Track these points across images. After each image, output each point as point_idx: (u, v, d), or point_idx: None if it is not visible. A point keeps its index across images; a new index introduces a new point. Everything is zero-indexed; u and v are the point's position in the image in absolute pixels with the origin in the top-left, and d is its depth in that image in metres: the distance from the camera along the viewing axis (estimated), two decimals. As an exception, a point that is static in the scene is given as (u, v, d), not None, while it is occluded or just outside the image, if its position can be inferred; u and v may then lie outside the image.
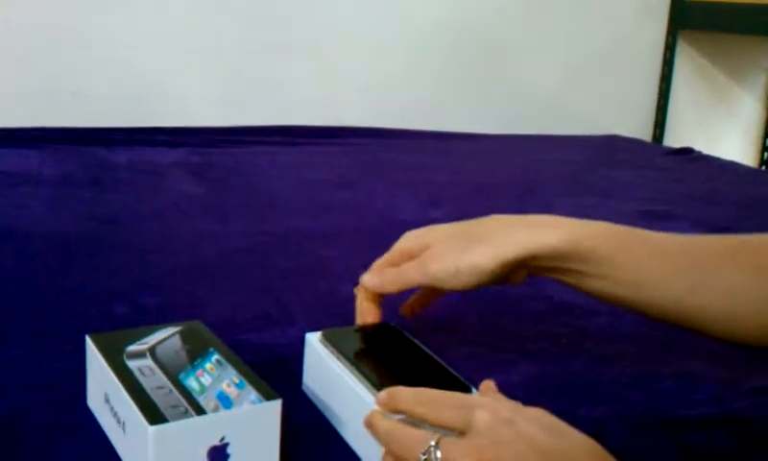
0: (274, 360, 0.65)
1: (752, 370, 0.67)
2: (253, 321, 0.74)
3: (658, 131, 2.35)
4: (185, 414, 0.47)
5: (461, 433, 0.46)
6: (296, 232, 1.02)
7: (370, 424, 0.50)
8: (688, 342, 0.67)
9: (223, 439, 0.48)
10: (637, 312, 0.64)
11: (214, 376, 0.52)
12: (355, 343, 0.61)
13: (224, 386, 0.51)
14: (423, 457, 0.45)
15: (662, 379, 0.66)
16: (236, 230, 1.02)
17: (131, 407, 0.48)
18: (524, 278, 0.65)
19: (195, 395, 0.49)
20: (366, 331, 0.64)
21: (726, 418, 0.60)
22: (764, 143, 2.55)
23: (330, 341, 0.59)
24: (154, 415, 0.47)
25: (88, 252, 0.90)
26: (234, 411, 0.49)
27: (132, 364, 0.53)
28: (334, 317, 0.71)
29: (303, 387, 0.62)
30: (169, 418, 0.47)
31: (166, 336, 0.57)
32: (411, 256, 0.65)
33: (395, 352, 0.60)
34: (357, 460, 0.53)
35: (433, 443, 0.45)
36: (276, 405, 0.50)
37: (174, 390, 0.50)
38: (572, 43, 2.19)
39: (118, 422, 0.51)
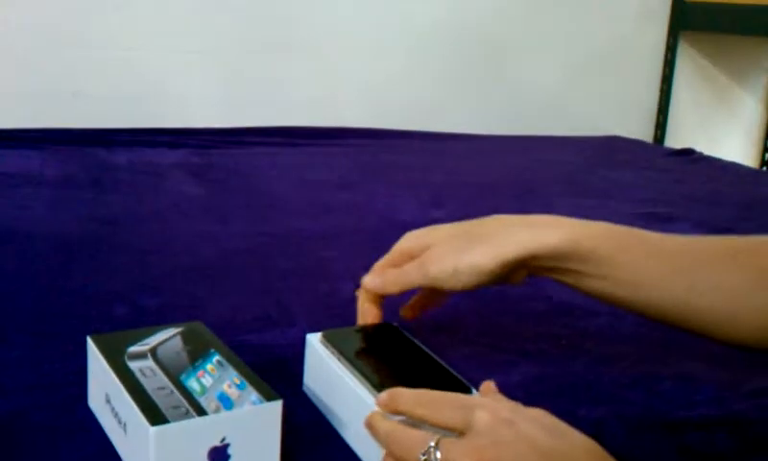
0: (274, 361, 0.66)
1: (752, 371, 0.67)
2: (254, 322, 0.74)
3: (659, 132, 2.35)
4: (186, 415, 0.47)
5: (461, 434, 0.46)
6: (296, 233, 1.02)
7: (370, 426, 0.50)
8: (688, 343, 0.67)
9: (224, 440, 0.48)
10: (637, 313, 0.64)
11: (215, 376, 0.52)
12: (356, 344, 0.61)
13: (225, 387, 0.51)
14: (423, 458, 0.45)
15: (662, 380, 0.66)
16: (236, 230, 1.02)
17: (132, 408, 0.48)
18: (524, 278, 0.65)
19: (196, 396, 0.49)
20: (366, 332, 0.64)
21: (726, 419, 0.60)
22: (765, 144, 2.55)
23: (331, 342, 0.59)
24: (155, 416, 0.47)
25: (89, 253, 0.90)
26: (235, 412, 0.49)
27: (134, 365, 0.53)
28: (335, 318, 0.71)
29: (304, 388, 0.62)
30: (170, 418, 0.47)
31: (167, 337, 0.57)
32: (411, 257, 0.65)
33: (395, 353, 0.60)
34: (358, 461, 0.54)
35: (433, 443, 0.45)
36: (276, 406, 0.50)
37: (175, 391, 0.50)
38: (573, 44, 2.20)
39: (119, 422, 0.51)
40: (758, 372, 0.67)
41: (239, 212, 1.12)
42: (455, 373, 0.57)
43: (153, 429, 0.46)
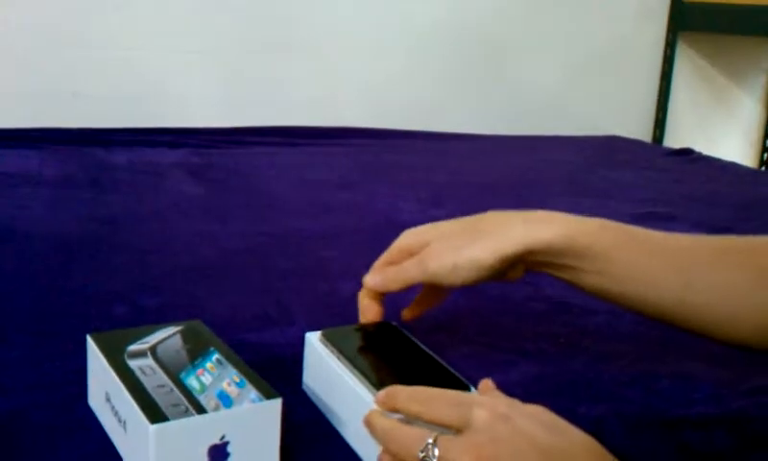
0: (274, 360, 0.66)
1: (750, 370, 0.68)
2: (254, 320, 0.74)
3: (657, 131, 2.36)
4: (186, 413, 0.47)
5: (458, 431, 0.46)
6: (296, 233, 1.03)
7: (368, 423, 0.50)
8: (687, 341, 0.67)
9: (223, 438, 0.49)
10: (634, 310, 0.64)
11: (215, 375, 0.52)
12: (355, 342, 0.61)
13: (224, 385, 0.51)
14: (422, 455, 0.45)
15: (661, 379, 0.66)
16: (236, 230, 1.02)
17: (132, 406, 0.48)
18: (522, 273, 0.66)
19: (195, 394, 0.50)
20: (366, 331, 0.64)
21: (724, 417, 0.60)
22: (764, 144, 2.56)
23: (330, 340, 0.59)
24: (154, 414, 0.47)
25: (89, 252, 0.91)
26: (235, 410, 0.49)
27: (133, 363, 0.53)
28: (334, 317, 0.71)
29: (303, 386, 0.62)
30: (170, 417, 0.47)
31: (167, 336, 0.57)
32: (410, 254, 0.65)
33: (394, 352, 0.61)
34: (357, 459, 0.54)
35: (431, 441, 0.45)
36: (276, 404, 0.50)
37: (175, 389, 0.50)
38: (572, 44, 2.20)
39: (119, 421, 0.51)
40: (757, 370, 0.68)
41: (239, 212, 1.12)
42: (454, 372, 0.57)
43: (152, 427, 0.46)
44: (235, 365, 0.53)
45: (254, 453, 0.50)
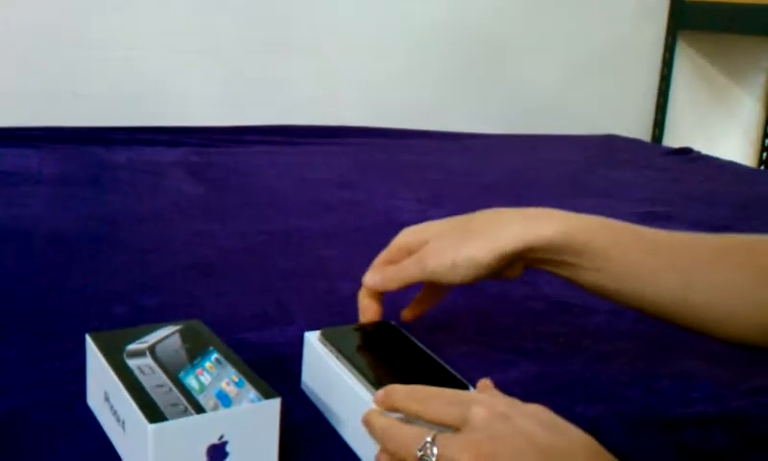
0: (273, 359, 0.66)
1: (750, 369, 0.68)
2: (253, 320, 0.74)
3: (657, 131, 2.36)
4: (185, 412, 0.47)
5: (457, 429, 0.46)
6: (295, 232, 1.03)
7: (366, 422, 0.50)
8: (686, 341, 0.67)
9: (222, 437, 0.49)
10: (634, 308, 0.64)
11: (213, 374, 0.52)
12: (354, 342, 0.61)
13: (223, 385, 0.51)
14: (420, 454, 0.45)
15: (660, 378, 0.66)
16: (236, 229, 1.02)
17: (130, 406, 0.48)
18: (521, 271, 0.65)
19: (194, 393, 0.50)
20: (365, 330, 0.64)
21: (724, 417, 0.60)
22: (763, 143, 2.56)
23: (329, 340, 0.59)
24: (153, 413, 0.47)
25: (88, 251, 0.91)
26: (233, 410, 0.49)
27: (132, 363, 0.53)
28: (333, 316, 0.71)
29: (302, 386, 0.62)
30: (168, 416, 0.47)
31: (166, 335, 0.57)
32: (409, 252, 0.65)
33: (393, 351, 0.61)
34: (356, 459, 0.54)
35: (429, 439, 0.45)
36: (275, 404, 0.50)
37: (173, 388, 0.50)
38: (572, 43, 2.20)
39: (118, 420, 0.51)
40: (757, 370, 0.68)
41: (238, 211, 1.12)
42: (453, 371, 0.57)
43: (151, 427, 0.46)
44: (234, 365, 0.53)
45: (253, 453, 0.50)
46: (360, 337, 0.63)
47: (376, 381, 0.53)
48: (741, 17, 2.14)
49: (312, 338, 0.61)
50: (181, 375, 0.52)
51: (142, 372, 0.52)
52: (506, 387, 0.53)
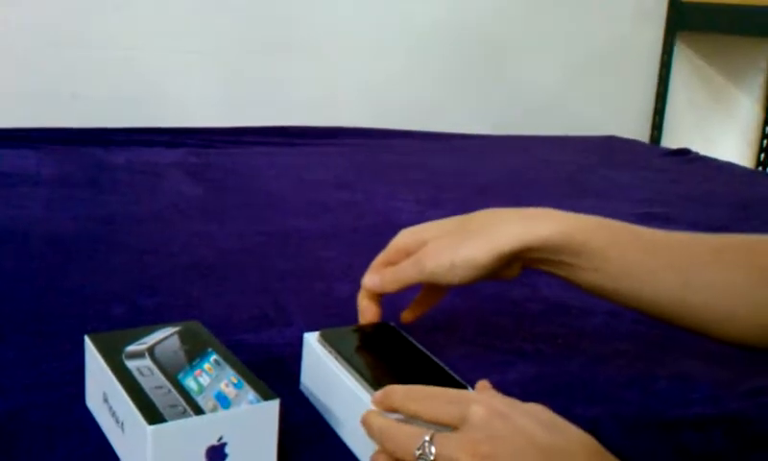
0: (271, 360, 0.66)
1: (749, 370, 0.68)
2: (251, 321, 0.74)
3: (655, 132, 2.36)
4: (184, 414, 0.47)
5: (455, 429, 0.46)
6: (294, 233, 1.03)
7: (365, 423, 0.50)
8: (685, 342, 0.67)
9: (221, 439, 0.49)
10: (632, 308, 0.64)
11: (212, 376, 0.52)
12: (353, 343, 0.61)
13: (222, 386, 0.51)
14: (418, 453, 0.45)
15: (658, 379, 0.66)
16: (234, 230, 1.02)
17: (129, 407, 0.48)
18: (519, 271, 0.66)
19: (193, 395, 0.50)
20: (364, 331, 0.64)
21: (722, 418, 0.61)
22: (761, 144, 2.56)
23: (328, 341, 0.59)
24: (152, 415, 0.47)
25: (87, 252, 0.91)
26: (232, 411, 0.49)
27: (131, 364, 0.53)
28: (332, 317, 0.71)
29: (301, 387, 0.62)
30: (167, 417, 0.47)
31: (165, 336, 0.57)
32: (407, 253, 0.65)
33: (392, 352, 0.61)
34: (355, 460, 0.54)
35: (427, 438, 0.45)
36: (273, 405, 0.50)
37: (172, 390, 0.50)
38: (571, 44, 2.20)
39: (117, 421, 0.51)
40: (755, 371, 0.68)
41: (237, 212, 1.12)
42: (452, 372, 0.57)
43: (150, 428, 0.46)
44: (233, 366, 0.53)
45: (252, 454, 0.50)
46: (359, 338, 0.63)
47: (375, 382, 0.53)
48: (740, 18, 2.15)
49: (311, 339, 0.61)
50: (180, 376, 0.52)
51: (141, 373, 0.52)
52: (505, 388, 0.53)
